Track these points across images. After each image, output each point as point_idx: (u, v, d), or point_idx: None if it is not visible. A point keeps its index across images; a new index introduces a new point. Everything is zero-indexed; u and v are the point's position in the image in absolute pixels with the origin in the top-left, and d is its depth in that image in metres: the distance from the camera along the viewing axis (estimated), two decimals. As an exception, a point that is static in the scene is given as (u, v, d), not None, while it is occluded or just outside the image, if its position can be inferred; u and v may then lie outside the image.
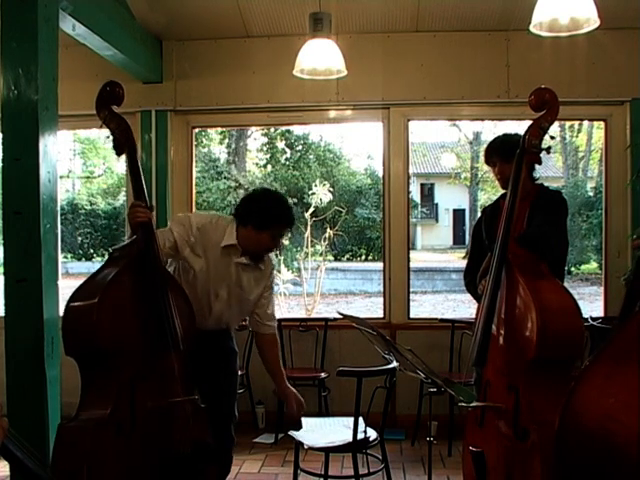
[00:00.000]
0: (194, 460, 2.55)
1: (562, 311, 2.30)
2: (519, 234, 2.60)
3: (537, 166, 2.84)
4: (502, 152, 2.93)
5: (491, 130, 14.08)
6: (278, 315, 5.50)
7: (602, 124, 4.95)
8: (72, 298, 2.40)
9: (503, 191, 2.93)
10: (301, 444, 3.04)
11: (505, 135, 3.07)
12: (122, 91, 2.58)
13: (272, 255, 3.01)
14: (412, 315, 4.98)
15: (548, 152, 2.55)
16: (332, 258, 15.97)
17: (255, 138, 17.65)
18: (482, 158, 3.38)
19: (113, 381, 2.34)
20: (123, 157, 2.64)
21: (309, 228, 8.14)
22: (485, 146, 3.18)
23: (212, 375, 2.87)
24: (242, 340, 4.26)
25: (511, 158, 2.62)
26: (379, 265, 5.62)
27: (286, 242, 14.21)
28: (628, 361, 1.27)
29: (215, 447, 2.69)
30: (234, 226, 2.82)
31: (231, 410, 2.97)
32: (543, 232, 2.66)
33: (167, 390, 2.51)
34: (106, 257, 2.59)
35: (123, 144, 2.55)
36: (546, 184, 3.03)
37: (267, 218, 2.76)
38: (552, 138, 2.55)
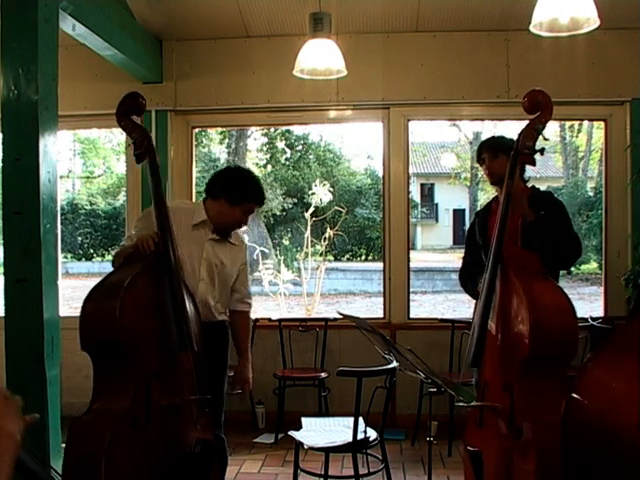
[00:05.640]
0: (203, 460, 2.58)
1: (556, 310, 2.29)
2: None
3: (537, 166, 2.85)
4: (491, 148, 3.01)
5: (491, 130, 14.04)
6: (278, 315, 5.57)
7: (602, 124, 4.95)
8: (91, 294, 2.43)
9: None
10: (301, 444, 3.04)
11: (495, 136, 3.19)
12: (144, 101, 2.66)
13: (244, 235, 3.11)
14: (412, 315, 4.99)
15: (542, 154, 2.55)
16: (332, 258, 15.97)
17: (255, 138, 17.64)
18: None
19: (130, 377, 2.35)
20: (122, 159, 2.67)
21: (309, 228, 8.10)
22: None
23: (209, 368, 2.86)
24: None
25: (498, 153, 2.70)
26: (379, 265, 5.63)
27: (286, 242, 14.23)
28: (632, 350, 1.28)
29: (217, 445, 2.71)
30: (202, 204, 2.92)
31: (221, 399, 2.98)
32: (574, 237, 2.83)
33: (180, 389, 2.55)
34: (107, 257, 2.62)
35: (144, 153, 2.64)
36: (547, 184, 3.08)
37: (242, 193, 2.85)
38: (546, 140, 2.56)
